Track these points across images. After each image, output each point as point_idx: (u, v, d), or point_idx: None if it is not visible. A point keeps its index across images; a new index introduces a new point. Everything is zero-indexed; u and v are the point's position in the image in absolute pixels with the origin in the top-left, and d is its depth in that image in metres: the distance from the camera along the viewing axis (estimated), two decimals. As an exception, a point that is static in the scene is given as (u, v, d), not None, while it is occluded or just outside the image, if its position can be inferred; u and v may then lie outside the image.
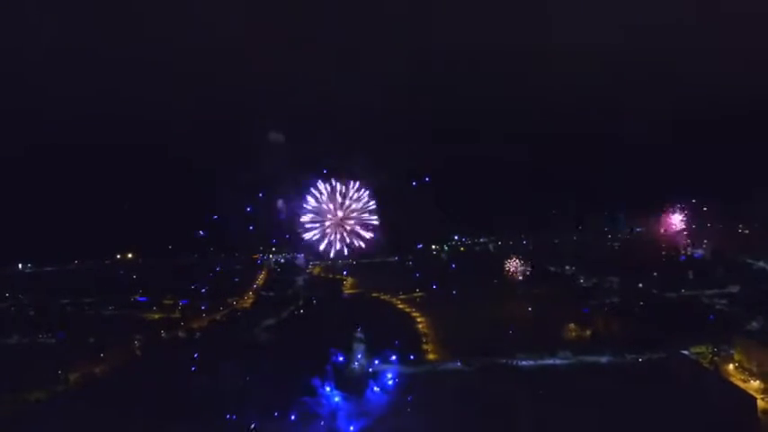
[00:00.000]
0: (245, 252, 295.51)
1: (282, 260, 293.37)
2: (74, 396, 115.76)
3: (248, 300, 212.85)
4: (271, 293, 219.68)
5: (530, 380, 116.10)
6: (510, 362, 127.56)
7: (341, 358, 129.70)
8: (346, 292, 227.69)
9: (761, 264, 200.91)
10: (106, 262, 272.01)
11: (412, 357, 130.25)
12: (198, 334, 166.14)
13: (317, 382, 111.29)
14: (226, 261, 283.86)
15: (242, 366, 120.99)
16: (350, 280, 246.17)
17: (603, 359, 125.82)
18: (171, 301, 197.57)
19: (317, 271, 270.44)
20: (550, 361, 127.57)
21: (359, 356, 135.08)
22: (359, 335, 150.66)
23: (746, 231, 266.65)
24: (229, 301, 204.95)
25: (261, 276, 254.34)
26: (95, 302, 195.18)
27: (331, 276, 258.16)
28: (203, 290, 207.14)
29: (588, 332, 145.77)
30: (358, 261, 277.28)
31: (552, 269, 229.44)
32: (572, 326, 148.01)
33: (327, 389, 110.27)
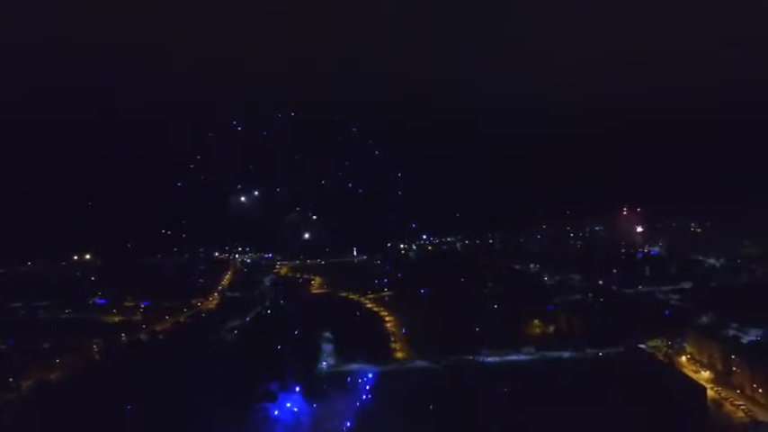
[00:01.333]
0: (210, 252, 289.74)
1: (249, 260, 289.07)
2: (26, 404, 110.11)
3: (213, 301, 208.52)
4: (237, 294, 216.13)
5: (495, 376, 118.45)
6: (476, 359, 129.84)
7: (308, 359, 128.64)
8: (314, 291, 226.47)
9: (711, 261, 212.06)
10: (62, 263, 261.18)
11: (380, 356, 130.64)
12: (161, 337, 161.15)
13: (284, 383, 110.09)
14: (190, 261, 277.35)
15: (206, 369, 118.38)
16: (318, 280, 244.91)
17: (566, 354, 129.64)
18: (131, 304, 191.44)
19: (284, 271, 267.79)
20: (515, 357, 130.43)
21: (327, 357, 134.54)
22: (327, 335, 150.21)
23: (698, 230, 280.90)
24: (194, 302, 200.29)
25: (226, 277, 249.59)
26: (50, 305, 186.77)
27: (299, 276, 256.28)
28: (166, 291, 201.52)
29: (552, 328, 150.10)
30: (326, 261, 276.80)
31: (517, 267, 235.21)
32: (536, 322, 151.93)
33: (295, 390, 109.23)
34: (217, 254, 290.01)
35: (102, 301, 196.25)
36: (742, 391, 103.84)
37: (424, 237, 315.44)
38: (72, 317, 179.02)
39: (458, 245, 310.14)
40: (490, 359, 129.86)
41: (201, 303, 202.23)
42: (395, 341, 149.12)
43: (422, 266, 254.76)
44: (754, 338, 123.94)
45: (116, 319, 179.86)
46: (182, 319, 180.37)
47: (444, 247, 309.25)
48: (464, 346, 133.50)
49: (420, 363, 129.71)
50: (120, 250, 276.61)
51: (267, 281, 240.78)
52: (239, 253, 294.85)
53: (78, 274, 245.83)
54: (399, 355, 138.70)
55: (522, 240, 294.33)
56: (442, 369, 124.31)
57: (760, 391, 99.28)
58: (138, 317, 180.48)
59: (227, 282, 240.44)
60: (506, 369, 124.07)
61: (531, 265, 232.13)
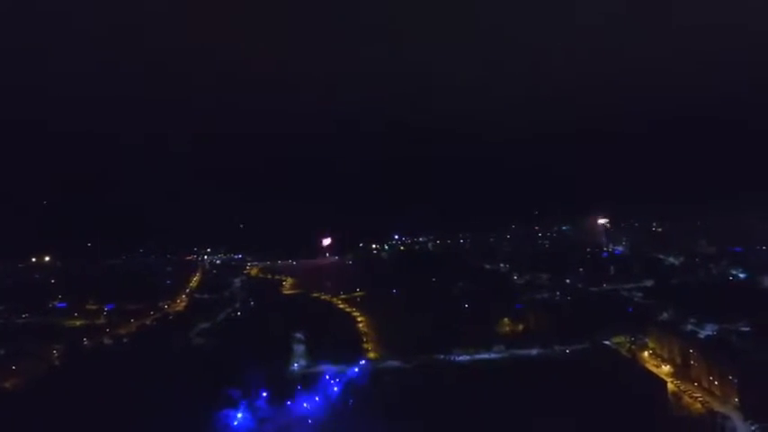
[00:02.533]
0: (177, 253, 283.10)
1: (218, 261, 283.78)
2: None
3: (181, 303, 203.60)
4: (206, 296, 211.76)
5: (466, 374, 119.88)
6: (448, 357, 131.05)
7: (280, 360, 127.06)
8: (286, 292, 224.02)
9: (671, 259, 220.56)
10: (19, 265, 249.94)
11: (352, 357, 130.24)
12: (126, 340, 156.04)
13: (253, 386, 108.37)
14: (157, 262, 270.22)
15: (174, 374, 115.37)
16: (290, 280, 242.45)
17: (534, 352, 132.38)
18: (94, 307, 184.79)
19: (254, 272, 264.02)
20: (486, 355, 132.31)
21: (299, 358, 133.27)
22: (299, 336, 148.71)
23: (659, 230, 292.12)
24: (161, 304, 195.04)
25: (195, 278, 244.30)
26: (7, 309, 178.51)
27: (270, 277, 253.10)
28: (132, 293, 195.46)
29: (521, 326, 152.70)
30: (298, 261, 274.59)
31: (488, 267, 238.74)
32: (506, 321, 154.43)
33: (264, 393, 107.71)
34: (185, 255, 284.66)
35: (63, 304, 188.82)
36: (699, 384, 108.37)
37: (397, 237, 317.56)
38: (30, 321, 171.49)
39: (430, 245, 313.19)
40: (461, 358, 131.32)
41: (169, 306, 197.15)
42: (367, 341, 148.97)
43: (394, 266, 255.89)
44: (710, 333, 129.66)
45: (77, 323, 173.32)
46: (148, 322, 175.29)
47: (416, 247, 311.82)
48: (436, 345, 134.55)
49: (392, 362, 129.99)
50: (82, 252, 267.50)
51: (237, 282, 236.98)
52: (208, 254, 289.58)
53: (36, 276, 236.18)
54: (371, 355, 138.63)
55: (492, 240, 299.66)
56: (413, 368, 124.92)
57: (716, 383, 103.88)
58: (102, 320, 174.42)
59: (195, 283, 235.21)
60: (477, 367, 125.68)
61: (501, 265, 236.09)
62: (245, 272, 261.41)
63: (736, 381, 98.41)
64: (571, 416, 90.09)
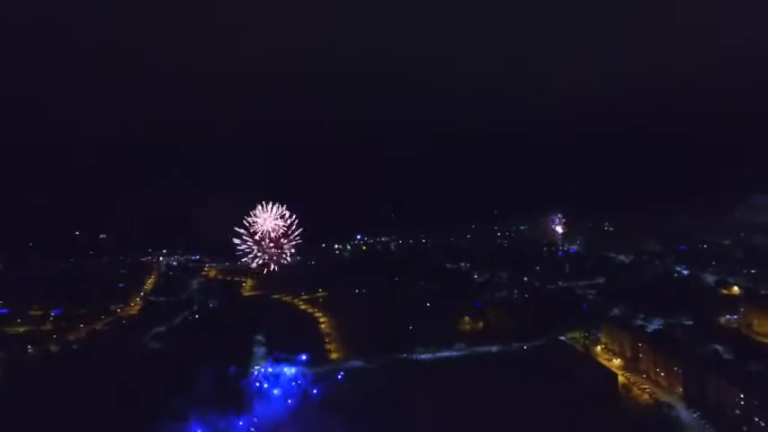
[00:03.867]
0: (131, 255, 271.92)
1: (175, 263, 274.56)
2: None
3: (135, 306, 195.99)
4: (161, 298, 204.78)
5: (428, 372, 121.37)
6: (410, 356, 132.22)
7: (241, 363, 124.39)
8: (246, 294, 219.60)
9: (621, 258, 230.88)
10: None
11: (314, 358, 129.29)
12: (74, 347, 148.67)
13: (211, 391, 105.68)
14: (109, 265, 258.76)
15: (126, 379, 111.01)
16: (250, 282, 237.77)
17: (494, 349, 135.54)
18: (39, 312, 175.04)
19: (213, 273, 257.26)
20: (447, 353, 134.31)
21: (259, 360, 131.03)
22: (259, 338, 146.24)
23: (611, 229, 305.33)
24: (113, 308, 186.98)
25: (150, 280, 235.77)
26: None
27: (229, 278, 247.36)
28: (81, 297, 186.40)
29: (481, 324, 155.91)
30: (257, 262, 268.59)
31: (449, 266, 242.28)
32: (467, 319, 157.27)
33: (223, 397, 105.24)
34: (139, 257, 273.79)
35: (5, 310, 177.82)
36: (647, 376, 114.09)
37: (359, 237, 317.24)
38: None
39: (392, 245, 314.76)
40: (423, 356, 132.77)
41: (122, 309, 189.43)
42: (329, 342, 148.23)
43: (356, 266, 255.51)
44: (656, 327, 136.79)
45: (21, 329, 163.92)
46: (99, 327, 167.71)
47: (379, 247, 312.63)
48: (398, 344, 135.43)
49: (354, 362, 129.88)
50: (26, 254, 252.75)
51: (195, 284, 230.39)
52: (164, 255, 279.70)
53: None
54: (334, 355, 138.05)
55: (453, 240, 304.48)
56: (376, 368, 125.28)
57: (662, 374, 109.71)
58: (48, 326, 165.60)
59: (150, 286, 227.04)
60: (439, 365, 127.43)
61: (462, 264, 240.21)
62: (203, 273, 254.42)
63: (679, 372, 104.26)
64: (529, 408, 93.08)
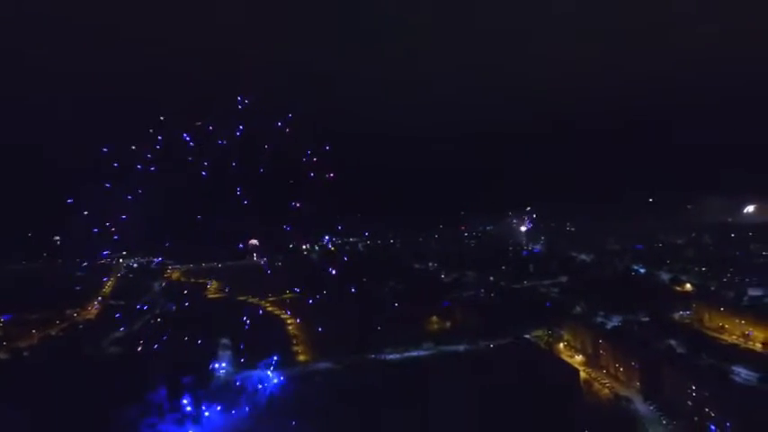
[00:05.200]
0: (88, 257, 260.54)
1: (135, 264, 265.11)
2: None
3: (93, 310, 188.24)
4: (121, 302, 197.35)
5: (397, 372, 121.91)
6: (378, 357, 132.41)
7: (204, 368, 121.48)
8: (210, 296, 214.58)
9: (582, 257, 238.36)
10: None
11: (282, 360, 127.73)
12: (26, 354, 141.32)
13: (175, 395, 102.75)
14: (64, 267, 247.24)
15: (82, 389, 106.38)
16: (215, 284, 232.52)
17: (461, 347, 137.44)
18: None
19: (176, 275, 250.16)
20: (415, 353, 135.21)
21: (225, 364, 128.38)
22: (225, 341, 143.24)
23: (573, 230, 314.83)
24: (69, 312, 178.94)
25: (109, 283, 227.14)
26: None
27: (193, 281, 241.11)
28: (34, 302, 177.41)
29: (448, 323, 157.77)
30: (224, 263, 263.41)
31: (417, 266, 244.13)
32: (434, 318, 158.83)
33: (190, 402, 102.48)
34: (97, 259, 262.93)
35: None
36: (607, 371, 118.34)
37: (327, 238, 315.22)
38: None
39: (360, 246, 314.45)
40: (392, 356, 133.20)
41: (78, 314, 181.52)
42: (297, 344, 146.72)
43: (324, 267, 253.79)
44: (616, 324, 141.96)
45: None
46: (53, 333, 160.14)
47: (347, 247, 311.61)
48: (366, 345, 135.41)
49: (323, 364, 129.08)
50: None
51: (157, 286, 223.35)
52: (124, 257, 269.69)
53: None
54: (302, 357, 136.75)
55: (420, 241, 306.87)
56: (344, 369, 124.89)
57: (621, 369, 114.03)
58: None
59: (109, 289, 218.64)
60: (407, 365, 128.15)
61: (430, 264, 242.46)
62: (165, 275, 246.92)
63: (637, 366, 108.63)
64: (494, 405, 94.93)
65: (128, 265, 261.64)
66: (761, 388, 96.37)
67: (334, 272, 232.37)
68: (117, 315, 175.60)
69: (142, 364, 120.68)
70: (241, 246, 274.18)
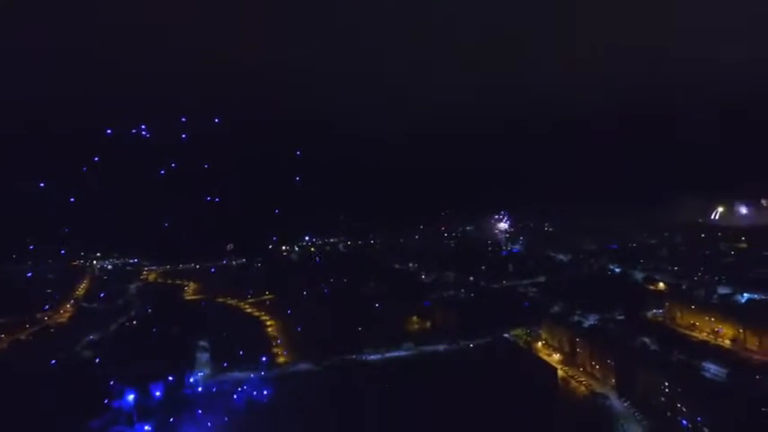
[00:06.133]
0: (61, 258, 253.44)
1: (110, 266, 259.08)
2: None
3: (65, 313, 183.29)
4: (95, 305, 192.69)
5: (377, 373, 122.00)
6: (359, 357, 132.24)
7: (181, 371, 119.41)
8: (188, 298, 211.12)
9: (560, 257, 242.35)
10: None
11: (261, 362, 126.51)
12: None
13: (148, 402, 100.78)
14: (35, 269, 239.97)
15: (53, 392, 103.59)
16: (192, 285, 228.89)
17: (441, 347, 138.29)
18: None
19: (153, 277, 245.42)
20: (396, 353, 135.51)
21: (202, 367, 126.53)
22: (202, 344, 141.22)
23: (551, 230, 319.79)
24: (39, 316, 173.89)
25: (82, 285, 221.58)
26: None
27: (170, 282, 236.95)
28: (3, 305, 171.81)
29: (428, 323, 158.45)
30: (202, 265, 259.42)
31: (397, 266, 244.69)
32: (415, 318, 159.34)
33: (163, 406, 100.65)
34: (70, 261, 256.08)
35: None
36: (584, 369, 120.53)
37: (307, 238, 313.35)
38: None
39: (340, 246, 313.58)
40: (372, 357, 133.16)
41: (50, 317, 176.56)
42: (276, 345, 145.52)
43: (304, 268, 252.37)
44: (592, 322, 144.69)
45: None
46: (23, 337, 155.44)
47: (327, 248, 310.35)
48: (346, 345, 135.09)
49: (302, 366, 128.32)
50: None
51: (133, 288, 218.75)
52: (98, 259, 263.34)
53: None
54: (281, 359, 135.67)
55: (401, 241, 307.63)
56: (324, 370, 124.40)
57: (597, 367, 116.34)
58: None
59: (82, 291, 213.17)
60: (388, 365, 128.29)
61: (410, 265, 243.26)
62: (141, 277, 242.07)
63: (612, 364, 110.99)
64: (474, 404, 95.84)
65: (102, 266, 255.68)
66: (729, 383, 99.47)
67: (314, 272, 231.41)
68: (90, 318, 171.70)
69: (116, 369, 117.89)
70: (220, 246, 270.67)
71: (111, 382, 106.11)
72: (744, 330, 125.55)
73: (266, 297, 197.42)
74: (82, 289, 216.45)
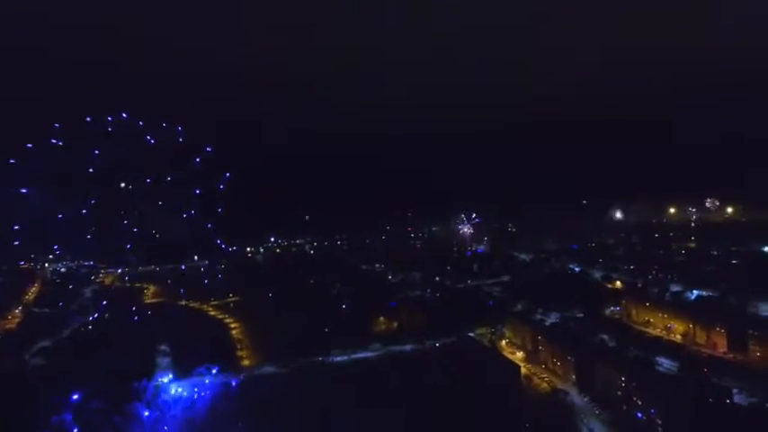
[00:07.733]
0: (8, 261, 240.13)
1: (63, 269, 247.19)
2: None
3: (14, 319, 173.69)
4: (46, 309, 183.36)
5: (343, 374, 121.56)
6: (325, 359, 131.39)
7: (139, 378, 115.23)
8: (148, 302, 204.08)
9: (523, 256, 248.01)
10: None
11: (225, 366, 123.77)
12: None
13: (103, 411, 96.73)
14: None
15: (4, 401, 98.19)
16: (152, 288, 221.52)
17: (408, 347, 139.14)
18: None
19: (110, 280, 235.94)
20: (363, 354, 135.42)
21: (163, 373, 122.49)
22: (163, 348, 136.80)
23: (514, 230, 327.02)
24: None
25: (32, 290, 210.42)
26: None
27: (129, 285, 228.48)
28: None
29: (395, 324, 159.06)
30: (162, 267, 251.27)
31: (364, 267, 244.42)
32: (381, 319, 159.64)
33: (123, 412, 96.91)
34: (19, 264, 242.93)
35: None
36: (546, 366, 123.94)
37: (273, 239, 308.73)
38: None
39: (307, 247, 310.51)
40: (339, 358, 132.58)
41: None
42: (241, 348, 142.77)
43: (270, 269, 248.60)
44: (554, 320, 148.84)
45: None
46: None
47: (293, 249, 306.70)
48: (313, 347, 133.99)
49: (267, 368, 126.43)
50: None
51: (88, 292, 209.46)
52: (50, 261, 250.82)
53: None
54: (246, 362, 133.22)
55: (368, 241, 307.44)
56: (289, 372, 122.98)
57: (558, 364, 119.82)
58: None
59: (32, 296, 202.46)
60: (354, 366, 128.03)
61: (377, 265, 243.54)
62: (97, 280, 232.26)
63: (572, 361, 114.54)
64: (440, 403, 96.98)
65: (54, 269, 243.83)
66: (681, 376, 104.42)
67: (279, 274, 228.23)
68: (41, 324, 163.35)
69: (68, 376, 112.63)
70: (181, 248, 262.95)
71: (62, 392, 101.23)
72: (693, 326, 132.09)
73: (230, 299, 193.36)
74: (32, 293, 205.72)
